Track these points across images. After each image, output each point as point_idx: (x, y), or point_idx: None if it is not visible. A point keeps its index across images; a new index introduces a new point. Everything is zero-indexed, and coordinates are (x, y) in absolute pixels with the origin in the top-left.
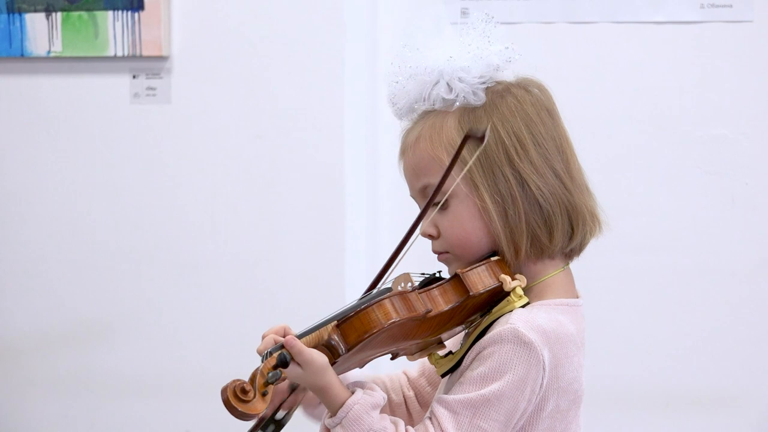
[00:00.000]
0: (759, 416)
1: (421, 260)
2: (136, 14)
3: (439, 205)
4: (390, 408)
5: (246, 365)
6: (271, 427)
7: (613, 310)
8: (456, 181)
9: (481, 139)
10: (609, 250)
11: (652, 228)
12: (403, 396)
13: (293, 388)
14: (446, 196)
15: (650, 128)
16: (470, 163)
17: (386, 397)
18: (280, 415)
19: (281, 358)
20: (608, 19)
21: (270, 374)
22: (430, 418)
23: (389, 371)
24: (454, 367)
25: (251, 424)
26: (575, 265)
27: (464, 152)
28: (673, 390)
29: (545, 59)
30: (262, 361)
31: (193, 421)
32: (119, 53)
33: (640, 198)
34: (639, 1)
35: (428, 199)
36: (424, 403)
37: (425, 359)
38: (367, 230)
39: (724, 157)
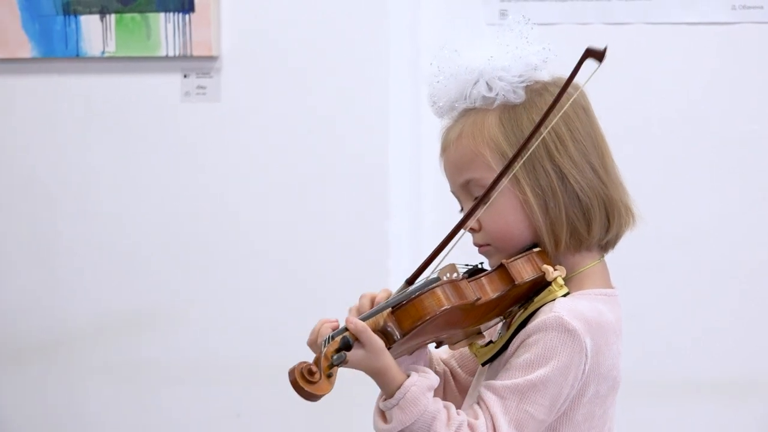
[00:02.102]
0: None
1: (461, 253)
2: (187, 16)
3: (488, 203)
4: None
5: (292, 352)
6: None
7: (649, 302)
8: (507, 178)
9: (602, 55)
10: (646, 244)
11: (687, 222)
12: (443, 368)
13: None
14: (496, 192)
15: (685, 124)
16: (515, 168)
17: (439, 380)
18: None
19: (344, 341)
20: (642, 20)
21: (334, 357)
22: (479, 403)
23: None
24: (494, 356)
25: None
26: (612, 258)
27: (507, 150)
28: (703, 378)
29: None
30: (324, 346)
31: (243, 405)
32: (171, 53)
33: (676, 193)
34: (672, 2)
35: (470, 193)
36: (456, 380)
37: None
38: (410, 223)
39: (757, 154)
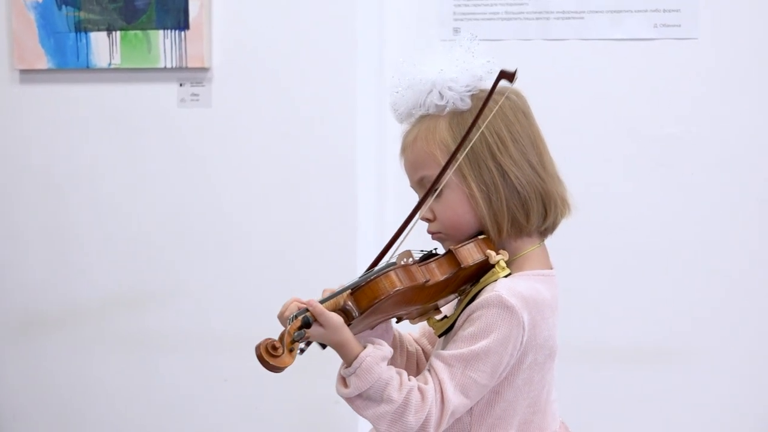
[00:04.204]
0: (709, 367)
1: (420, 240)
2: (183, 33)
3: (435, 193)
4: (407, 357)
5: (272, 326)
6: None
7: (585, 279)
8: (449, 173)
9: (512, 76)
10: (582, 231)
11: (616, 211)
12: (415, 347)
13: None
14: (441, 185)
15: (613, 127)
16: (459, 159)
17: (393, 351)
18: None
19: (305, 320)
20: (577, 36)
21: (296, 333)
22: (429, 370)
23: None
24: (449, 329)
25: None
26: (555, 243)
27: (453, 147)
28: (633, 345)
29: (525, 70)
30: (288, 323)
31: (230, 371)
32: (168, 65)
33: (605, 186)
34: (602, 21)
35: (425, 187)
36: (427, 358)
37: (424, 323)
38: (375, 213)
39: (674, 152)
